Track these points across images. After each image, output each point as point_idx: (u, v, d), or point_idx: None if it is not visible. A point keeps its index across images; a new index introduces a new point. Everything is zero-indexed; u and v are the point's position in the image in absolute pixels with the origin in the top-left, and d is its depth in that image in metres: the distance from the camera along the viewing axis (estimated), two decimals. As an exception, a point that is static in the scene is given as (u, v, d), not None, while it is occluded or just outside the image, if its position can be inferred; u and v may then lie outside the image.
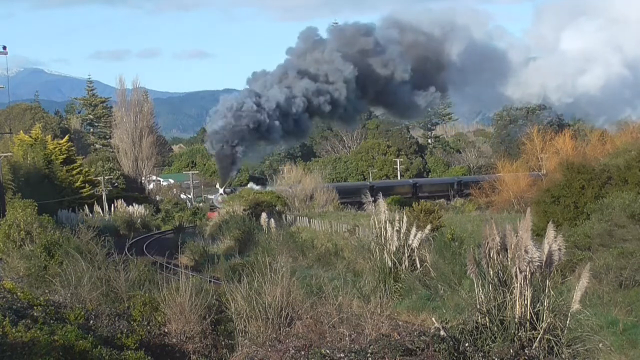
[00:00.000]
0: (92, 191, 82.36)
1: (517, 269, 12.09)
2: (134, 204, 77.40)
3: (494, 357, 11.46)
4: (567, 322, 12.05)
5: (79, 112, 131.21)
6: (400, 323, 14.35)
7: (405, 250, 21.88)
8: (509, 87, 74.96)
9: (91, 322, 14.12)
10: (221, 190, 70.56)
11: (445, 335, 11.63)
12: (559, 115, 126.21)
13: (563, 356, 11.85)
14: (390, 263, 21.59)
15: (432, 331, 11.94)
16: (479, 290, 12.49)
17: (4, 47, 48.12)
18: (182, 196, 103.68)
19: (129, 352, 12.54)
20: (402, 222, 22.14)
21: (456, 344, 11.53)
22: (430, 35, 68.96)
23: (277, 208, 61.48)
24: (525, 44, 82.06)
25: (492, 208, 63.92)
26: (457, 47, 69.11)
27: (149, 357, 12.63)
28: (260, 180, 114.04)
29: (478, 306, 12.34)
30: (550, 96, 78.99)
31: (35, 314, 13.76)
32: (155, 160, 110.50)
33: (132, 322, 14.40)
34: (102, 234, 26.56)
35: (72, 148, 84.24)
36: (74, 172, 79.45)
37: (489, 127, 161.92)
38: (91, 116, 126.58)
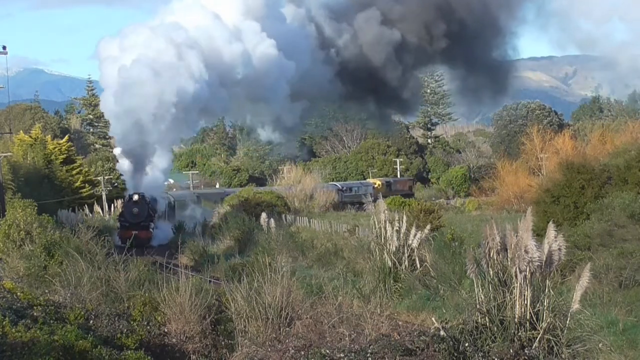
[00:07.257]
0: (92, 191, 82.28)
1: (517, 269, 12.08)
2: (134, 204, 77.24)
3: (494, 357, 11.45)
4: (567, 322, 12.03)
5: (79, 112, 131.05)
6: (400, 323, 14.35)
7: (405, 250, 21.84)
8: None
9: (91, 322, 14.11)
10: (135, 197, 50.19)
11: (445, 335, 11.62)
12: (559, 115, 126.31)
13: (563, 356, 11.84)
14: (390, 263, 21.57)
15: (432, 331, 11.92)
16: (479, 290, 12.48)
17: (4, 47, 47.93)
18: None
19: (129, 352, 12.52)
20: (402, 222, 22.12)
21: (456, 344, 11.52)
22: None
23: (277, 208, 61.49)
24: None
25: (491, 208, 64.10)
26: None
27: (149, 357, 12.62)
28: (260, 180, 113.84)
29: (478, 306, 12.32)
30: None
31: (35, 314, 13.76)
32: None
33: (132, 322, 14.40)
34: (102, 234, 26.55)
35: (72, 148, 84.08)
36: (74, 172, 79.32)
37: (489, 127, 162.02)
38: (91, 116, 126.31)
